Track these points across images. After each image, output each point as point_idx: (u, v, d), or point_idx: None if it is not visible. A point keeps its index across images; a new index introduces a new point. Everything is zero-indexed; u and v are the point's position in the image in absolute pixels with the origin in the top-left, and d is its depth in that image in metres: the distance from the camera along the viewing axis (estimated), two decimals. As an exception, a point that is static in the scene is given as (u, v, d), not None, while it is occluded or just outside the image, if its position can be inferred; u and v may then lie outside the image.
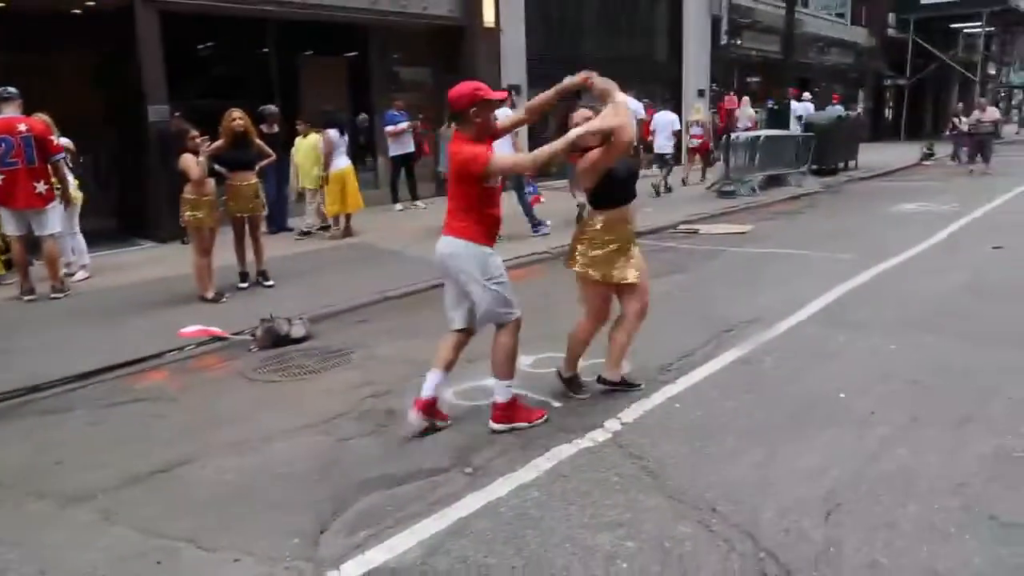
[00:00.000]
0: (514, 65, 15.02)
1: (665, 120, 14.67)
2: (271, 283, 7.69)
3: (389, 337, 6.08)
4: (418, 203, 13.07)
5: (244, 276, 7.67)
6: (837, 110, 22.02)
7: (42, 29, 10.17)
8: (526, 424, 4.14)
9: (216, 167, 7.28)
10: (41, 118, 7.43)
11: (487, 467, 3.69)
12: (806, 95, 18.96)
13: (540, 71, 15.29)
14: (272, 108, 10.21)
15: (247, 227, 7.59)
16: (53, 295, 7.38)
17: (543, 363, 4.96)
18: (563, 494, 3.38)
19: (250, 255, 7.70)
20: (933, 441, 3.77)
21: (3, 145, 7.00)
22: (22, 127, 7.08)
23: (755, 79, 23.72)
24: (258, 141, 7.74)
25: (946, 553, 2.84)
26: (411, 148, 12.72)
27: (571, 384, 4.59)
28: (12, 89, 7.26)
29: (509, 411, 4.14)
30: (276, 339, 5.95)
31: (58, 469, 3.91)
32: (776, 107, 17.11)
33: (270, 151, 8.01)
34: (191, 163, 6.91)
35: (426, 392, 4.08)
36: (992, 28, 32.12)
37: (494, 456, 3.80)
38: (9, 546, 3.16)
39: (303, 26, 12.66)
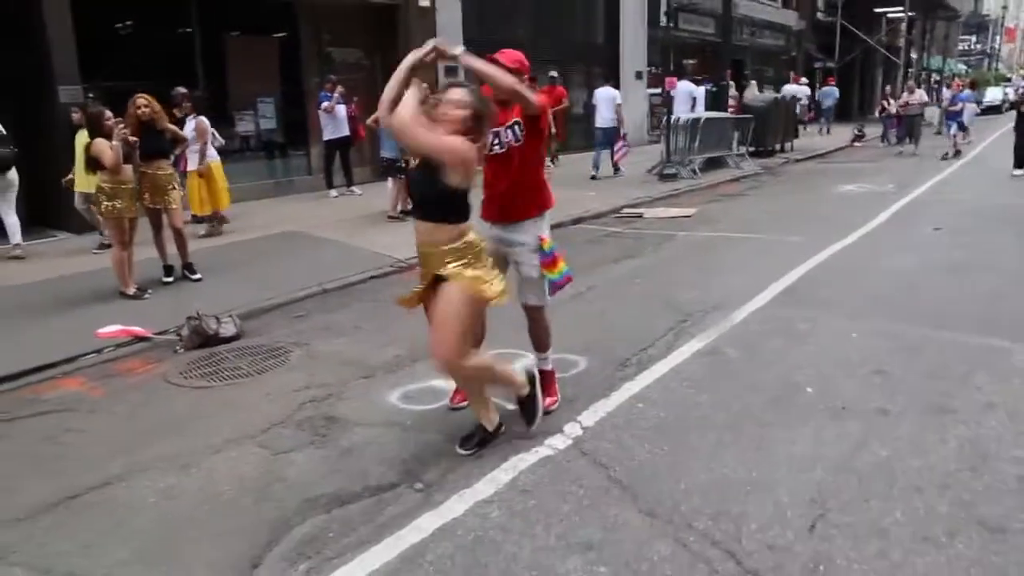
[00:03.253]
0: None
1: (607, 95, 14.37)
2: (198, 276, 7.15)
3: (329, 334, 5.67)
4: (354, 189, 12.57)
5: (168, 270, 7.11)
6: (833, 92, 22.69)
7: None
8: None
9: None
10: None
11: (440, 482, 3.36)
12: (803, 80, 19.00)
13: (476, 53, 14.85)
14: (180, 89, 9.45)
15: (165, 218, 7.03)
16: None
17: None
18: (525, 512, 3.08)
19: (172, 248, 7.15)
20: (909, 437, 3.60)
21: None
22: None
23: (692, 61, 23.72)
24: (170, 126, 7.15)
25: (942, 564, 2.65)
26: (346, 132, 12.20)
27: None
28: None
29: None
30: (204, 339, 5.49)
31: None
32: (715, 89, 17.07)
33: (184, 136, 7.44)
34: (104, 148, 6.33)
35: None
36: (913, 13, 33.08)
37: (447, 469, 3.47)
38: None
39: (229, 4, 11.92)
